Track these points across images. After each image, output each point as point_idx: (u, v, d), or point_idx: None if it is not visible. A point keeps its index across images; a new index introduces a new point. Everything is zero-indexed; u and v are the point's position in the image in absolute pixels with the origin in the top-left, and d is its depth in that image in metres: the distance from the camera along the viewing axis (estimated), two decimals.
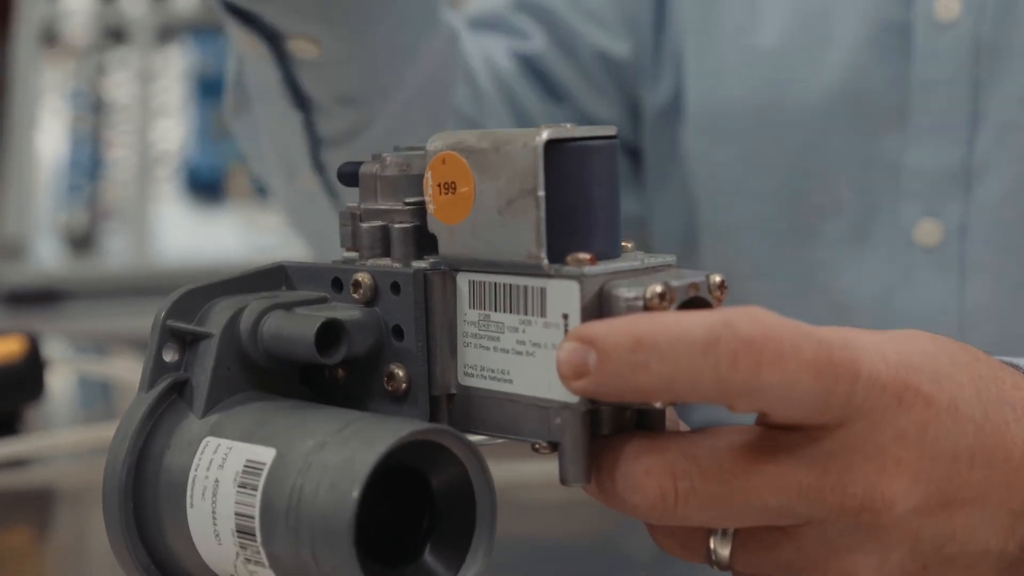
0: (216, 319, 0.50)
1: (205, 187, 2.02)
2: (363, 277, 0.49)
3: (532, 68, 0.95)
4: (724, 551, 0.47)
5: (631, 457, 0.44)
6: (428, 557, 0.46)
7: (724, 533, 0.47)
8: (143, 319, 0.97)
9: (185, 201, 2.02)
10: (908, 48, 0.80)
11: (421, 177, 0.48)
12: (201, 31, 2.13)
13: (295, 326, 0.48)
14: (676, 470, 0.44)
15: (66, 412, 1.28)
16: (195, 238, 2.00)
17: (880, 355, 0.45)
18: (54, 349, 1.48)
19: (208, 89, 2.07)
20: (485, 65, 0.93)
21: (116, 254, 2.03)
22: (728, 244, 0.89)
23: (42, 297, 2.00)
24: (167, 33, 2.13)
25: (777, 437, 0.44)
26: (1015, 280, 0.77)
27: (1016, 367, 0.50)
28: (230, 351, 0.49)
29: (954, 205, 0.79)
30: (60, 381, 1.32)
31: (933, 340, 0.47)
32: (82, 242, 2.03)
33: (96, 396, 1.37)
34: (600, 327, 0.43)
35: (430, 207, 0.48)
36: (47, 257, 2.02)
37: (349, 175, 0.52)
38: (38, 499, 0.89)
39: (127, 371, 1.25)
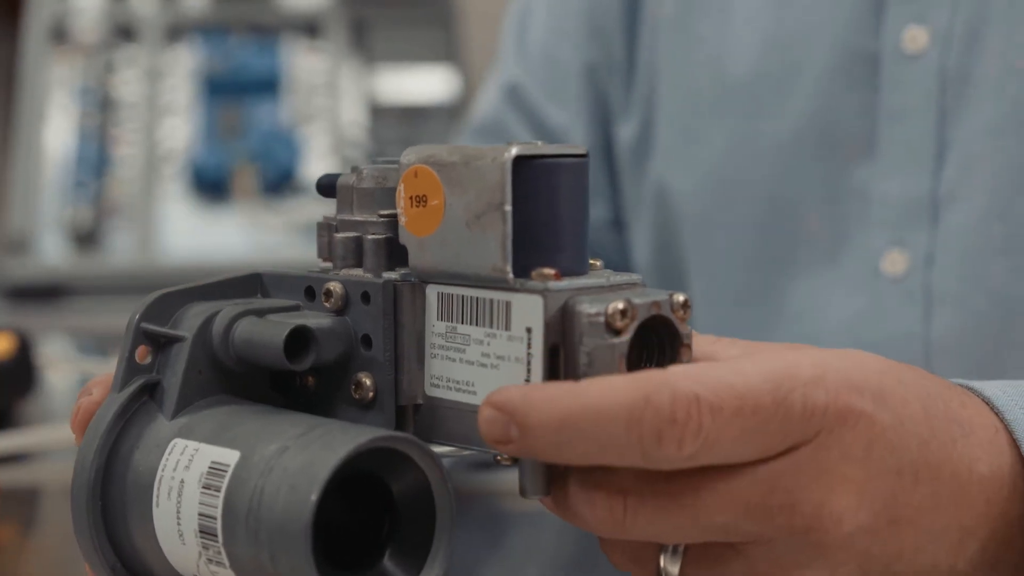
0: (189, 323, 0.50)
1: (211, 186, 2.02)
2: (334, 286, 0.50)
3: None
4: (674, 568, 0.47)
5: (584, 470, 0.45)
6: (387, 563, 0.47)
7: (674, 551, 0.47)
8: None
9: (191, 200, 2.03)
10: (876, 78, 0.81)
11: (395, 190, 0.49)
12: (210, 31, 2.14)
13: (265, 332, 0.49)
14: (626, 484, 0.45)
15: (64, 410, 1.28)
16: (200, 237, 2.00)
17: (817, 384, 0.45)
18: (55, 346, 1.49)
19: (216, 89, 2.08)
20: None
21: (121, 251, 2.04)
22: (705, 273, 0.89)
23: (46, 293, 2.00)
24: (176, 32, 2.14)
25: None
26: (981, 310, 0.78)
27: (967, 388, 0.50)
28: (202, 355, 0.50)
29: (920, 235, 0.79)
30: (59, 378, 1.33)
31: (880, 360, 0.48)
32: (87, 239, 2.03)
33: None
34: (516, 395, 0.44)
35: (402, 219, 0.48)
36: (52, 253, 2.03)
37: (327, 186, 0.52)
38: (27, 496, 0.89)
39: None
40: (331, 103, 2.08)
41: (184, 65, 2.12)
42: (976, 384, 0.51)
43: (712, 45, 0.88)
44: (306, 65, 2.11)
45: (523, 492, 0.46)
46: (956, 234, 0.78)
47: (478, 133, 1.03)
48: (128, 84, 2.10)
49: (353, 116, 2.08)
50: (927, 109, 0.79)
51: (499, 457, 0.47)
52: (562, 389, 0.44)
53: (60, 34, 2.12)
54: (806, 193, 0.83)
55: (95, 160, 2.06)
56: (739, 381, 0.44)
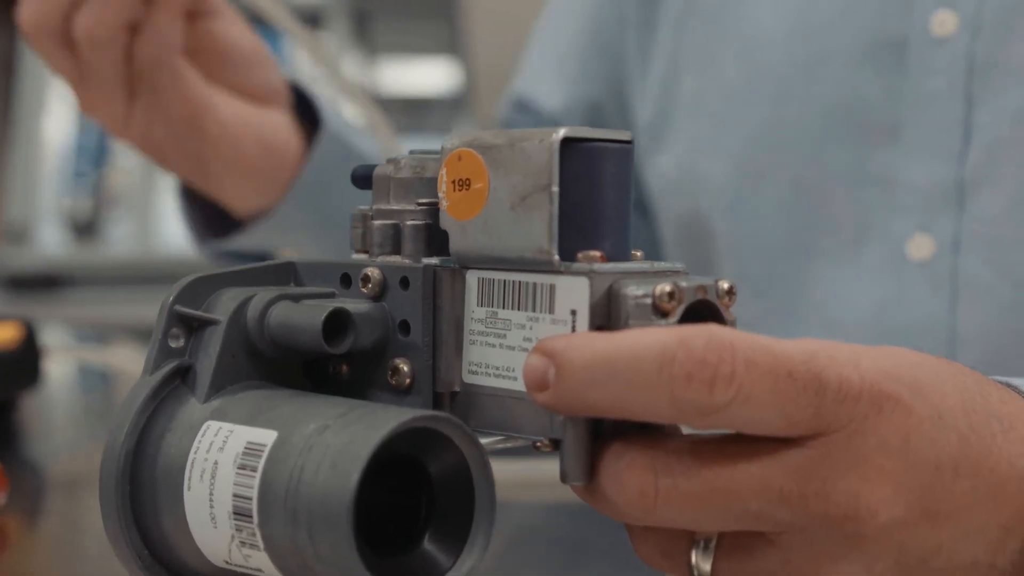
0: (224, 307, 0.50)
1: None
2: (372, 272, 0.49)
3: None
4: (706, 565, 0.46)
5: (616, 453, 0.44)
6: (427, 545, 0.46)
7: (706, 546, 0.46)
8: (145, 307, 0.97)
9: None
10: (904, 63, 0.81)
11: (434, 180, 0.48)
12: None
13: (303, 315, 0.48)
14: (658, 466, 0.44)
15: (64, 400, 1.28)
16: None
17: (853, 366, 0.44)
18: (54, 336, 1.49)
19: None
20: None
21: (119, 241, 2.03)
22: (729, 259, 0.89)
23: (44, 282, 2.00)
24: None
25: (761, 441, 0.44)
26: (1007, 296, 0.78)
27: (1006, 384, 0.50)
28: (236, 338, 0.49)
29: (946, 220, 0.79)
30: (59, 368, 1.32)
31: (916, 354, 0.47)
32: (85, 229, 2.03)
33: (95, 384, 1.37)
34: (560, 341, 0.43)
35: (443, 204, 0.48)
36: (50, 243, 2.02)
37: (362, 178, 0.52)
38: (31, 486, 0.89)
39: (127, 359, 1.25)
40: (333, 94, 2.07)
41: None
42: (1015, 381, 0.50)
43: (742, 32, 0.88)
44: (308, 56, 2.11)
45: (563, 478, 0.45)
46: (982, 220, 0.78)
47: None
48: None
49: (355, 108, 2.07)
50: (954, 94, 0.79)
51: (538, 444, 0.47)
52: (604, 334, 0.43)
53: None
54: (831, 178, 0.83)
55: (94, 150, 2.05)
56: (776, 346, 0.43)
